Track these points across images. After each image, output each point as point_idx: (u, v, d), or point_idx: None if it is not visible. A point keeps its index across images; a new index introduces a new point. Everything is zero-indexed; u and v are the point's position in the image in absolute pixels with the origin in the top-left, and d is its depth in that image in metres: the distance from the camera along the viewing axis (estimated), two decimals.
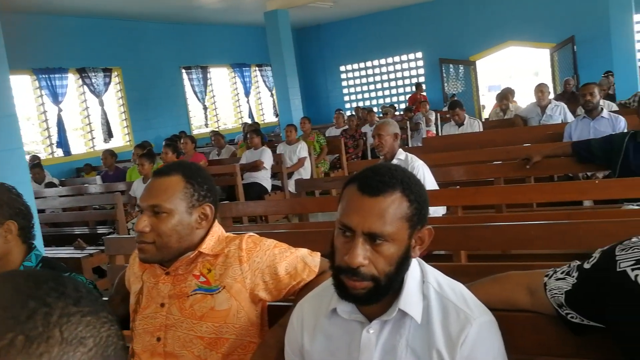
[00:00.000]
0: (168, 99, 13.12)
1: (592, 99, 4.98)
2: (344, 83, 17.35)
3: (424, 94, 14.53)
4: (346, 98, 17.35)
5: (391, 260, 1.22)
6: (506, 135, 6.09)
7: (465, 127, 7.00)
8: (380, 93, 16.88)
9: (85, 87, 11.11)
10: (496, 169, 4.34)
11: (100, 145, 11.22)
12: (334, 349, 1.32)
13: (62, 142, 10.60)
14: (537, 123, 6.57)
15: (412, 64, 16.26)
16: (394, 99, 16.51)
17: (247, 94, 15.31)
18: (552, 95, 8.30)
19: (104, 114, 11.40)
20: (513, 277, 1.44)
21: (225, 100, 15.25)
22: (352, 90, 17.31)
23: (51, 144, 10.63)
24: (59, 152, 10.69)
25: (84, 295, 0.61)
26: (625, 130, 4.47)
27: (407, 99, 15.50)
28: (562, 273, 1.31)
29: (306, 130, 9.07)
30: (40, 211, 5.82)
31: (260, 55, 15.02)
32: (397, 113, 13.19)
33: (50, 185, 7.96)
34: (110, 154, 8.09)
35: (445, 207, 3.85)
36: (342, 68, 17.24)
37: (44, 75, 10.18)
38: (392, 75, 16.62)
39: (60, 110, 10.49)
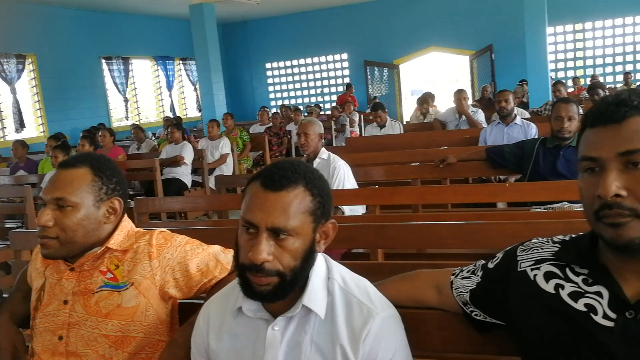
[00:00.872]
0: (86, 89, 12.62)
1: (506, 106, 5.19)
2: (270, 80, 17.31)
3: (353, 95, 14.71)
4: (271, 95, 17.31)
5: (296, 255, 1.21)
6: (425, 138, 6.26)
7: (386, 128, 7.14)
8: (305, 92, 16.96)
9: None
10: (414, 170, 4.43)
11: (12, 136, 10.67)
12: (240, 348, 1.31)
13: None
14: (454, 127, 6.78)
15: (338, 65, 16.44)
16: (319, 98, 16.63)
17: (169, 87, 14.98)
18: (470, 101, 8.59)
19: (16, 102, 10.84)
20: (422, 275, 1.47)
21: (147, 93, 14.86)
22: (277, 88, 17.29)
23: None
24: None
25: None
26: (536, 137, 4.69)
27: (332, 99, 15.64)
28: (468, 272, 1.35)
29: (229, 126, 8.96)
30: None
31: (184, 48, 14.73)
32: (322, 113, 13.28)
33: None
34: (21, 144, 7.67)
35: (364, 206, 3.90)
36: (268, 65, 17.19)
37: None
38: (317, 75, 16.74)
39: None
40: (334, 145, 9.44)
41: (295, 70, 16.97)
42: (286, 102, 16.30)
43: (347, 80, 16.10)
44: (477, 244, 2.36)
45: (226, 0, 11.93)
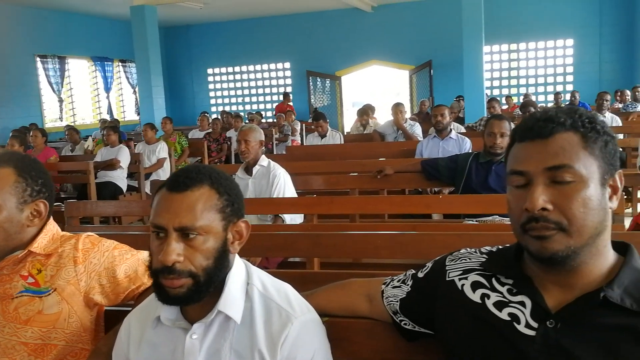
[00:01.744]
0: (19, 88, 12.13)
1: (442, 120, 5.32)
2: (211, 86, 17.14)
3: (291, 104, 14.73)
4: (212, 101, 17.14)
5: (208, 254, 1.21)
6: (364, 149, 6.34)
7: (327, 138, 7.19)
8: (247, 99, 16.88)
9: None
10: (352, 180, 4.47)
11: None
12: (158, 358, 1.28)
13: None
14: (393, 139, 6.90)
15: (280, 74, 16.45)
16: (261, 106, 16.59)
17: (107, 89, 14.60)
18: (408, 115, 8.76)
19: None
20: (354, 284, 1.47)
21: (84, 95, 14.42)
22: (219, 94, 17.14)
23: None
24: None
25: None
26: (470, 151, 4.82)
27: (274, 107, 15.63)
28: (398, 281, 1.36)
29: (167, 131, 8.81)
30: None
31: (124, 50, 14.40)
32: (263, 120, 13.24)
33: None
34: None
35: (302, 215, 3.90)
36: (210, 71, 17.02)
37: None
38: (259, 83, 16.70)
39: None
40: (275, 152, 9.42)
41: (238, 76, 16.87)
42: (227, 108, 16.17)
43: (289, 89, 16.13)
44: (410, 254, 2.39)
45: (169, 3, 11.76)
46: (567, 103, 10.99)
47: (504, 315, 1.11)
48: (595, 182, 1.04)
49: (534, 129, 1.07)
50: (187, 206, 1.19)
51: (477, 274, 1.20)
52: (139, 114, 13.93)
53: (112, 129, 7.28)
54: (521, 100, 11.79)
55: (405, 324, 1.33)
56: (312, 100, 15.17)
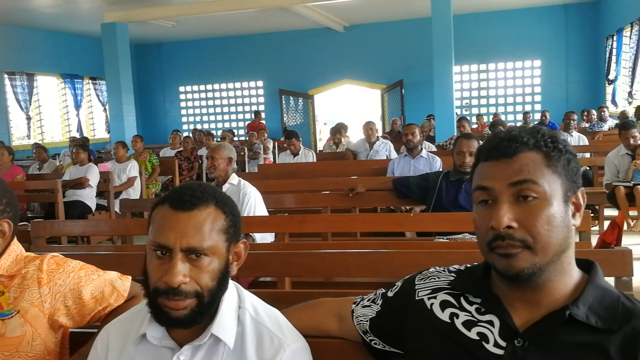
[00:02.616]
0: None
1: (413, 139, 5.37)
2: (183, 104, 17.06)
3: (263, 122, 14.73)
4: (184, 119, 17.05)
5: (213, 275, 1.20)
6: (337, 167, 6.36)
7: (300, 157, 7.20)
8: (219, 117, 16.85)
9: None
10: (324, 199, 4.48)
11: None
12: None
13: None
14: (365, 157, 6.95)
15: (253, 92, 16.47)
16: (234, 124, 16.55)
17: (77, 107, 14.41)
18: (380, 133, 8.83)
19: None
20: (324, 304, 1.46)
21: (53, 112, 14.21)
22: (191, 112, 17.06)
23: None
24: None
25: None
26: (441, 169, 4.88)
27: (246, 125, 15.61)
28: (368, 300, 1.36)
29: (138, 149, 8.72)
30: None
31: (95, 67, 14.27)
32: (235, 138, 13.21)
33: None
34: None
35: (273, 234, 3.89)
36: (182, 89, 16.95)
37: None
38: (232, 101, 16.69)
39: None
40: (247, 171, 9.39)
41: (210, 95, 16.83)
42: (199, 126, 16.09)
43: (262, 107, 16.14)
44: (381, 273, 2.40)
45: (140, 21, 11.73)
46: (537, 122, 11.21)
47: (472, 334, 1.11)
48: (559, 200, 1.05)
49: (498, 149, 1.09)
50: (194, 226, 1.17)
51: (445, 293, 1.21)
52: (109, 132, 13.78)
53: (81, 147, 7.17)
54: (491, 120, 11.99)
55: (375, 343, 1.33)
56: (284, 119, 15.19)
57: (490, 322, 1.11)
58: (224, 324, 1.22)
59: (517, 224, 1.04)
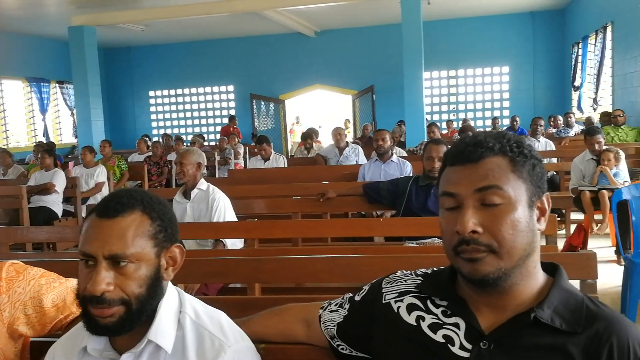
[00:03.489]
0: None
1: (383, 144, 5.40)
2: (153, 109, 16.89)
3: (237, 127, 14.65)
4: (154, 124, 16.88)
5: (140, 282, 1.17)
6: (307, 172, 6.35)
7: (271, 162, 7.17)
8: (190, 122, 16.72)
9: None
10: (295, 204, 4.46)
11: None
12: None
13: None
14: (335, 163, 6.96)
15: (224, 97, 16.39)
16: (204, 129, 16.44)
17: (43, 111, 14.14)
18: (351, 138, 8.85)
19: None
20: (291, 310, 1.45)
21: (18, 116, 13.92)
22: (160, 116, 16.90)
23: None
24: None
25: None
26: (411, 174, 4.91)
27: (216, 130, 15.53)
28: (335, 305, 1.35)
29: (106, 154, 8.59)
30: None
31: (62, 71, 14.05)
32: (206, 144, 13.12)
33: None
34: None
35: (244, 240, 3.86)
36: (152, 93, 16.79)
37: None
38: (202, 106, 16.58)
39: None
40: (217, 176, 9.33)
41: (180, 99, 16.70)
42: (170, 131, 15.94)
43: (232, 112, 16.06)
44: (350, 277, 2.39)
45: (109, 25, 11.59)
46: (507, 128, 11.36)
47: (438, 337, 1.11)
48: (523, 205, 1.06)
49: (464, 154, 1.09)
50: (117, 233, 1.15)
51: (412, 296, 1.21)
52: (76, 137, 13.56)
53: (47, 152, 7.04)
54: (460, 126, 12.12)
55: (342, 348, 1.32)
56: (256, 124, 15.15)
57: (456, 325, 1.11)
58: (162, 329, 1.21)
59: (482, 229, 1.04)
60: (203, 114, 16.63)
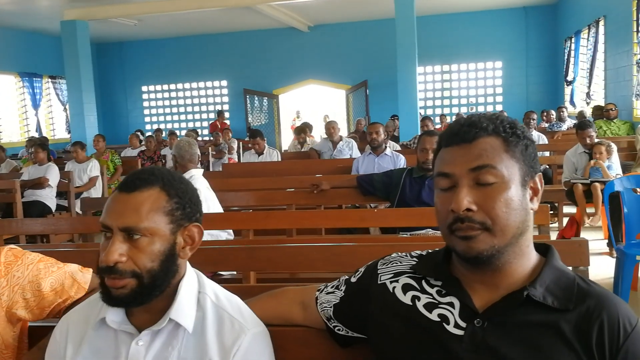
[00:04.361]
0: None
1: (377, 138, 5.42)
2: (146, 104, 16.83)
3: (227, 121, 14.62)
4: (147, 119, 16.81)
5: (152, 256, 1.19)
6: (301, 166, 6.37)
7: (264, 156, 7.18)
8: (183, 117, 16.67)
9: None
10: (289, 196, 4.47)
11: None
12: None
13: None
14: (329, 157, 6.97)
15: (217, 92, 16.34)
16: (197, 124, 16.40)
17: (36, 106, 14.07)
18: (345, 133, 8.87)
19: None
20: (289, 293, 1.47)
21: (10, 111, 13.84)
22: (154, 111, 16.84)
23: None
24: None
25: None
26: (405, 167, 4.93)
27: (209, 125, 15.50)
28: (332, 287, 1.37)
29: (99, 149, 8.58)
30: None
31: (54, 66, 13.98)
32: (199, 138, 13.10)
33: None
34: None
35: (230, 231, 3.84)
36: (145, 88, 16.72)
37: None
38: (196, 100, 16.53)
39: None
40: (211, 170, 9.32)
41: (173, 94, 16.64)
42: (163, 126, 15.89)
43: (226, 107, 16.04)
44: (345, 266, 2.40)
45: (101, 19, 11.54)
46: None
47: (434, 316, 1.13)
48: (517, 184, 1.08)
49: (459, 134, 1.11)
50: (132, 207, 1.19)
51: (407, 276, 1.23)
52: (69, 132, 13.51)
53: (40, 147, 7.03)
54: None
55: (339, 329, 1.34)
56: (249, 119, 15.13)
57: (451, 304, 1.14)
58: (183, 308, 1.22)
59: (476, 207, 1.06)
60: (197, 109, 16.58)
